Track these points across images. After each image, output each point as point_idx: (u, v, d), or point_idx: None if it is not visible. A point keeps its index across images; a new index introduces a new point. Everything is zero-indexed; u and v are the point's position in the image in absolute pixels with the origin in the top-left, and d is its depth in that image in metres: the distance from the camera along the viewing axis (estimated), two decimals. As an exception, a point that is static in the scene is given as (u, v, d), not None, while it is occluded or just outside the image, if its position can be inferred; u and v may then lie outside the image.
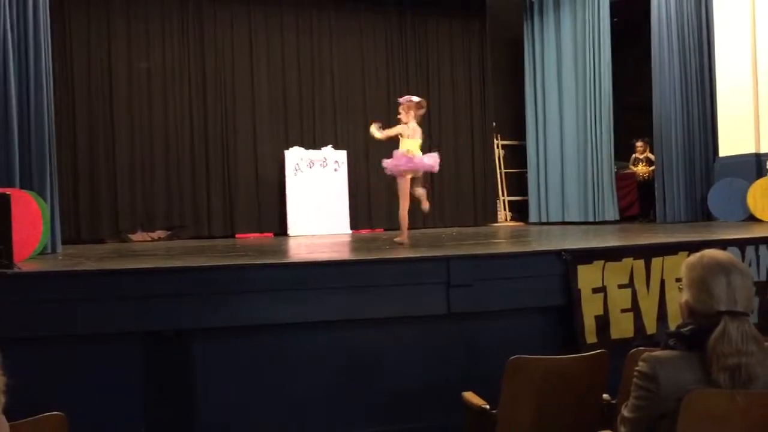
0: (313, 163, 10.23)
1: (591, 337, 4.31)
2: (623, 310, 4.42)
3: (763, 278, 4.82)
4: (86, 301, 3.70)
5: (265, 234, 10.24)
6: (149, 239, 9.50)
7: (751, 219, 8.43)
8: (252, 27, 10.55)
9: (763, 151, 8.72)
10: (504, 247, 5.88)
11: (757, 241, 4.89)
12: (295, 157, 10.20)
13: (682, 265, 2.21)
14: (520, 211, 12.17)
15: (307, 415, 3.95)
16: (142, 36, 9.92)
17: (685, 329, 2.14)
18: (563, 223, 10.88)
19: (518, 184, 12.33)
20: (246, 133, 10.44)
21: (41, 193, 6.17)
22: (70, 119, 9.41)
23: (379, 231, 10.73)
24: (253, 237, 9.96)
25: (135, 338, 3.79)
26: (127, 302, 3.74)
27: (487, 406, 2.86)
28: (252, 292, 3.89)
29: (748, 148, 8.80)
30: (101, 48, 9.68)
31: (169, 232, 9.74)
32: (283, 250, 6.44)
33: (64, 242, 7.10)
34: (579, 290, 4.33)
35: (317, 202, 10.12)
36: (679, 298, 2.24)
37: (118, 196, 9.62)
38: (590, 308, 4.33)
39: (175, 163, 10.01)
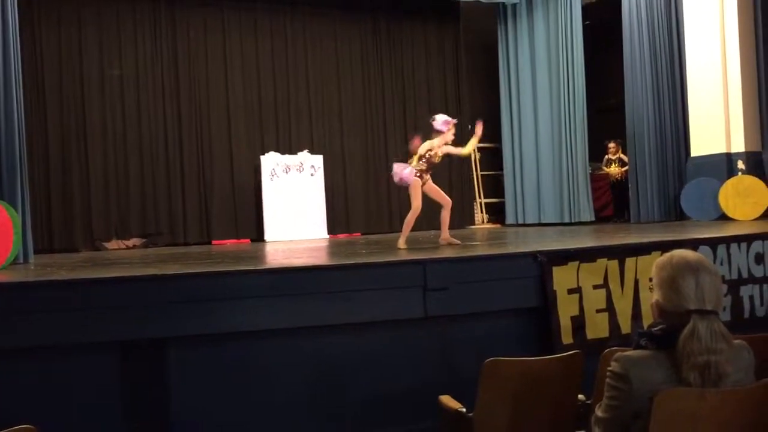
0: (289, 168, 10.21)
1: (567, 338, 4.35)
2: (598, 311, 4.46)
3: (734, 276, 4.89)
4: (58, 312, 3.65)
5: (242, 240, 10.18)
6: (124, 247, 9.40)
7: (723, 218, 8.55)
8: (226, 32, 10.50)
9: (733, 150, 8.84)
10: (480, 249, 5.90)
11: (728, 240, 4.96)
12: (271, 162, 10.16)
13: (653, 265, 2.24)
14: (497, 213, 12.23)
15: (286, 422, 3.93)
16: (114, 42, 9.82)
17: (656, 329, 2.16)
18: (540, 224, 10.95)
19: (495, 186, 12.39)
20: (221, 139, 10.38)
21: (12, 203, 6.08)
22: (41, 127, 9.29)
23: (356, 235, 10.73)
24: (229, 243, 9.90)
25: (109, 348, 3.75)
26: (100, 312, 3.70)
27: (464, 410, 2.86)
28: (228, 299, 3.87)
29: (719, 148, 8.92)
30: (72, 55, 9.57)
31: (144, 240, 9.65)
32: (259, 256, 6.41)
33: (36, 252, 7.00)
34: (554, 291, 4.37)
35: (294, 207, 10.09)
36: (650, 298, 2.26)
37: (91, 204, 9.51)
38: (566, 309, 4.37)
39: (149, 170, 9.92)
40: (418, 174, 6.29)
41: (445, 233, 6.50)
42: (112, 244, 9.40)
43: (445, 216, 6.52)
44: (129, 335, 3.73)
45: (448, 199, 6.64)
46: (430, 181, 6.46)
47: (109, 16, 9.80)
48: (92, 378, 3.72)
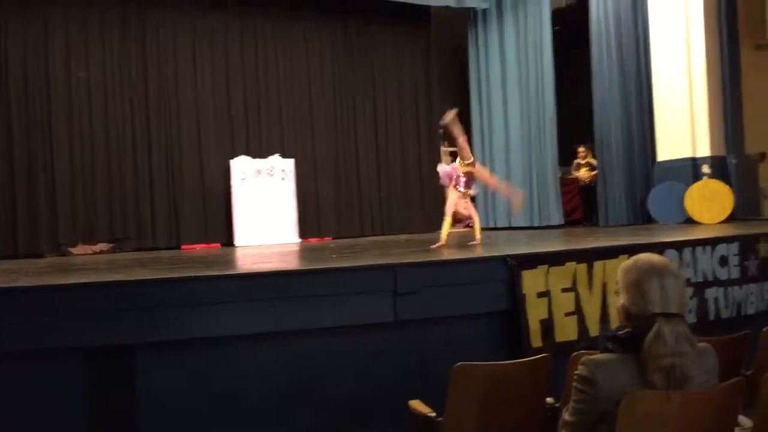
0: (260, 172, 10.14)
1: (536, 341, 4.38)
2: (567, 314, 4.50)
3: (700, 279, 4.97)
4: (22, 318, 3.58)
5: (212, 245, 10.08)
6: (91, 252, 9.25)
7: (690, 221, 8.69)
8: (195, 34, 10.39)
9: (699, 155, 8.99)
10: (450, 253, 5.92)
11: (694, 243, 5.04)
12: (241, 166, 10.09)
13: (618, 269, 2.26)
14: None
15: (256, 428, 3.90)
16: (81, 44, 9.67)
17: (622, 332, 2.18)
18: (510, 228, 11.02)
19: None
20: (191, 143, 10.27)
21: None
22: (6, 130, 9.10)
23: (327, 239, 10.69)
24: (199, 248, 9.80)
25: (75, 355, 3.68)
26: (65, 318, 3.63)
27: (433, 414, 2.86)
28: (196, 305, 3.82)
29: (685, 153, 9.06)
30: (38, 56, 9.39)
31: (111, 245, 9.50)
32: (229, 261, 6.35)
33: (0, 257, 6.86)
34: (524, 295, 4.40)
35: (265, 211, 10.03)
36: (616, 302, 2.29)
37: (57, 208, 9.33)
38: (535, 312, 4.40)
39: (117, 174, 9.77)
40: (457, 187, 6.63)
41: (478, 234, 6.78)
42: (79, 249, 9.24)
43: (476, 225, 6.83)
44: (95, 342, 3.67)
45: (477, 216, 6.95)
46: (468, 199, 6.73)
47: (76, 17, 9.63)
48: (57, 385, 3.65)
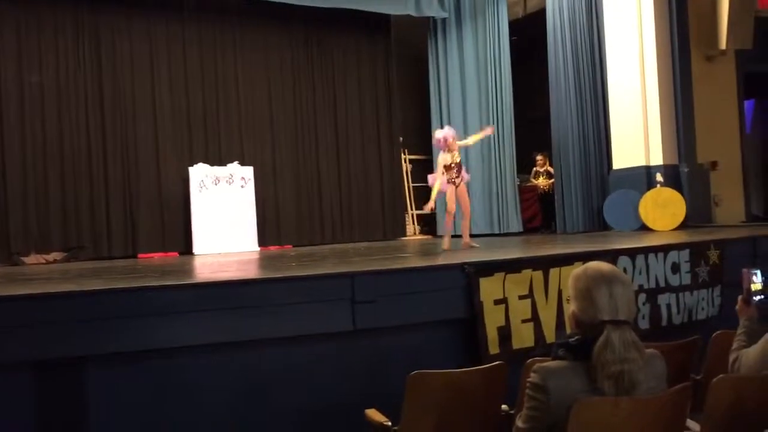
0: (218, 180, 10.05)
1: (494, 348, 4.41)
2: (524, 321, 4.54)
3: (652, 285, 5.07)
4: (-33, 331, 3.47)
5: (170, 253, 9.94)
6: (44, 262, 9.03)
7: (644, 228, 8.86)
8: (152, 39, 10.26)
9: (652, 163, 9.19)
10: (410, 261, 5.93)
11: (646, 251, 5.14)
12: (199, 173, 9.98)
13: (569, 277, 2.29)
14: (428, 224, 12.33)
15: (211, 439, 3.84)
16: (33, 48, 9.48)
17: (573, 339, 2.21)
18: (470, 235, 11.06)
19: (426, 197, 12.43)
20: (147, 150, 10.12)
21: None
22: (-46, 136, 8.88)
23: (287, 247, 10.63)
24: (156, 257, 9.65)
25: (24, 367, 3.59)
26: (13, 330, 3.53)
27: (389, 423, 2.86)
28: (150, 315, 3.75)
29: (639, 161, 9.25)
30: (-11, 61, 9.19)
31: (65, 254, 9.29)
32: (186, 270, 6.27)
33: (-53, 267, 6.66)
34: (481, 302, 4.42)
35: (224, 219, 9.93)
36: (567, 309, 2.32)
37: (9, 216, 9.10)
38: (492, 320, 4.43)
39: (71, 181, 9.57)
40: (451, 181, 7.31)
41: (466, 238, 7.55)
42: (31, 259, 9.02)
43: (465, 224, 7.66)
44: (45, 354, 3.57)
45: (469, 211, 7.81)
46: (463, 186, 7.46)
47: (29, 21, 9.44)
48: (5, 398, 3.55)
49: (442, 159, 7.37)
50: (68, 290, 3.94)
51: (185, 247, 9.97)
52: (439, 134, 7.55)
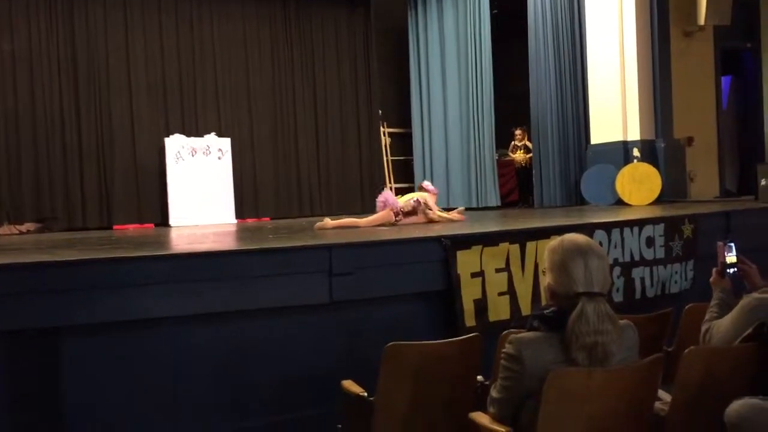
0: (195, 151, 9.94)
1: (470, 321, 4.43)
2: (500, 294, 4.56)
3: (627, 259, 5.12)
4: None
5: (146, 225, 9.85)
6: (17, 232, 8.90)
7: (620, 203, 8.94)
8: (127, 7, 10.06)
9: (630, 138, 9.24)
10: (387, 234, 5.93)
11: (622, 225, 5.17)
12: (176, 144, 9.86)
13: (545, 249, 2.30)
14: (406, 198, 12.32)
15: (188, 412, 3.84)
16: (4, 15, 9.25)
17: (548, 311, 2.23)
18: (448, 209, 11.09)
19: (405, 171, 12.49)
20: (123, 120, 9.97)
21: None
22: None
23: (265, 220, 10.58)
24: (132, 228, 9.56)
25: (-5, 339, 3.54)
26: (-16, 301, 3.48)
27: (365, 394, 2.87)
28: (124, 287, 3.71)
29: (617, 136, 9.30)
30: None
31: (39, 225, 9.17)
32: (162, 242, 6.21)
33: None
34: (458, 275, 4.43)
35: (200, 191, 9.84)
36: (543, 281, 2.33)
37: (-20, 187, 8.97)
38: (469, 292, 4.45)
39: (44, 151, 9.42)
40: (397, 213, 6.53)
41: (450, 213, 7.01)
42: (4, 230, 8.89)
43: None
44: (17, 324, 3.53)
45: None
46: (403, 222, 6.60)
47: (-1, -13, 9.21)
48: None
49: (424, 198, 6.79)
50: (41, 260, 3.88)
51: (161, 218, 9.89)
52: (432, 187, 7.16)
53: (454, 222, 6.79)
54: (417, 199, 6.72)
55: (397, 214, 6.52)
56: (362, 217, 6.76)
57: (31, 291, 3.56)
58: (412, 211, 6.62)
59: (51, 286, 3.60)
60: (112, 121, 9.89)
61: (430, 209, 6.74)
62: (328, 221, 6.34)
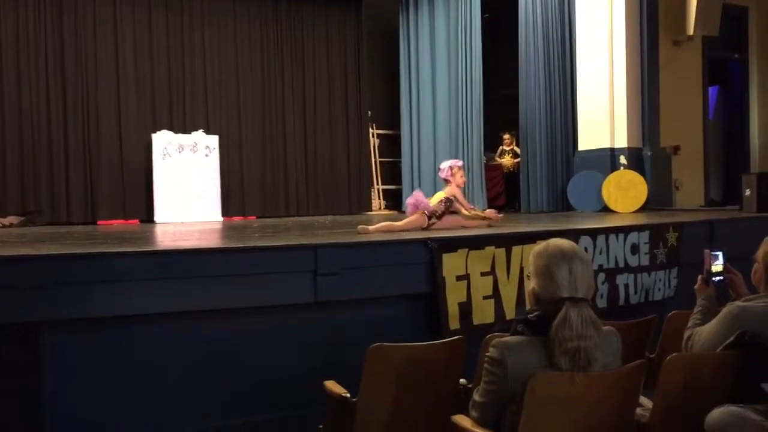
0: (182, 148, 9.88)
1: (454, 323, 4.43)
2: (485, 297, 4.57)
3: (611, 266, 5.14)
4: None
5: (130, 221, 9.79)
6: (0, 226, 8.81)
7: (606, 210, 8.98)
8: (116, 1, 9.99)
9: (617, 146, 9.28)
10: (373, 235, 5.90)
11: (607, 231, 5.20)
12: (163, 141, 9.80)
13: (531, 254, 2.30)
14: (394, 199, 12.34)
15: (169, 410, 3.81)
16: (-9, 7, 9.17)
17: (532, 315, 2.23)
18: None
19: (392, 173, 12.50)
20: (109, 115, 9.90)
21: None
22: None
23: (251, 218, 10.54)
24: (116, 224, 9.49)
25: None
26: (-36, 294, 3.44)
27: (348, 395, 2.86)
28: (106, 282, 3.68)
29: (604, 143, 9.34)
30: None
31: (22, 218, 9.08)
32: (146, 238, 6.16)
33: None
34: (444, 278, 4.43)
35: (187, 188, 9.78)
36: (527, 286, 2.33)
37: (-36, 179, 8.88)
38: (454, 295, 4.45)
39: (29, 144, 9.34)
40: (431, 216, 5.77)
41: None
42: (-14, 222, 8.81)
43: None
44: (-3, 319, 3.49)
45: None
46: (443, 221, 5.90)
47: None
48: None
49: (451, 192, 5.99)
50: (23, 254, 3.84)
51: (147, 214, 9.82)
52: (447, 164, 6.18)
53: (490, 221, 6.19)
54: (447, 198, 5.91)
55: (430, 217, 5.77)
56: (396, 220, 5.94)
57: (12, 285, 3.52)
58: (444, 213, 5.88)
59: (32, 281, 3.55)
60: (99, 116, 9.82)
61: (462, 205, 6.05)
62: (368, 228, 5.58)
